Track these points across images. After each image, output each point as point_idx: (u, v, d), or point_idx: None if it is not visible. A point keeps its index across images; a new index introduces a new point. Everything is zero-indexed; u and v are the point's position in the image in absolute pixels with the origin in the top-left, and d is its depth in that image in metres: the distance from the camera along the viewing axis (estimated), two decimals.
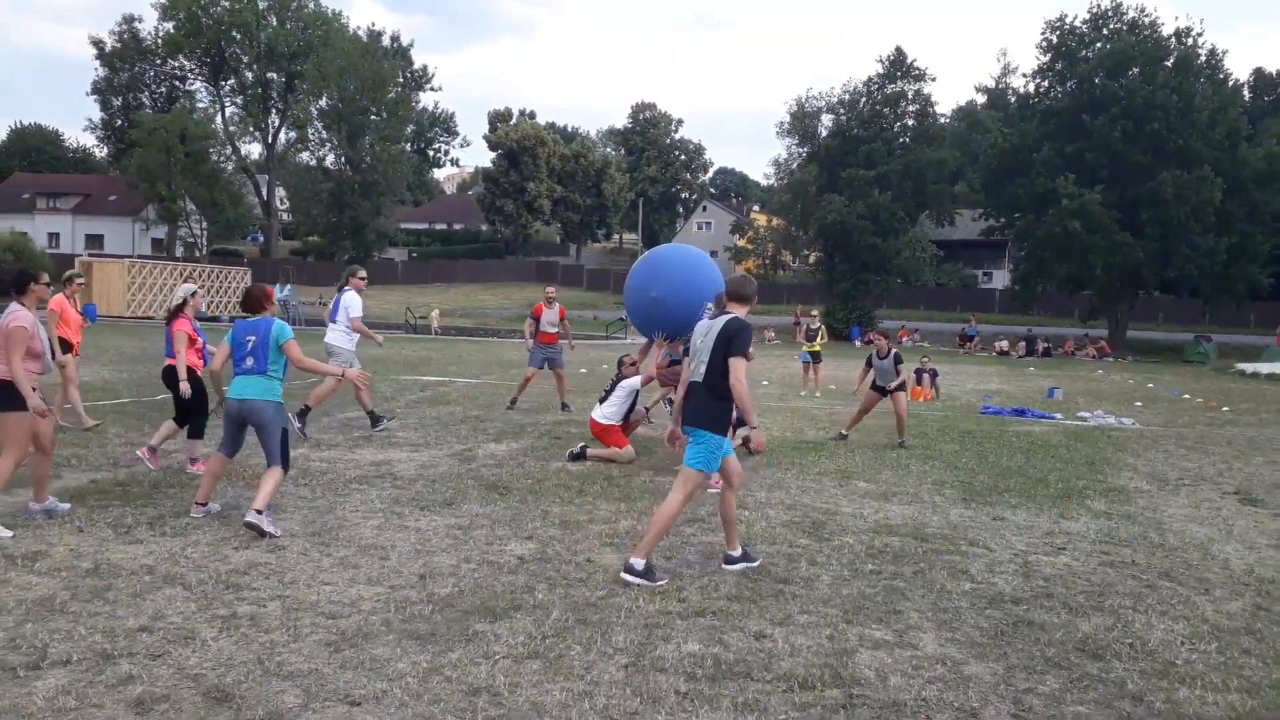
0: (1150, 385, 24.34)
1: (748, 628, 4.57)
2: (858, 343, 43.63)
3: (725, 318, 5.50)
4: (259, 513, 5.85)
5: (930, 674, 4.13)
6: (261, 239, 78.36)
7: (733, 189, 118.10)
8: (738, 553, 5.63)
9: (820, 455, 10.31)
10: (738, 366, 5.29)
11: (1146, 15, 42.89)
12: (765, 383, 20.53)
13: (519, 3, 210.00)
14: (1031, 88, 45.98)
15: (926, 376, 18.62)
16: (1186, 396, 21.05)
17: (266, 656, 3.96)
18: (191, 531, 5.97)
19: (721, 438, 5.39)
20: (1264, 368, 31.11)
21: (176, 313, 8.12)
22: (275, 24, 69.52)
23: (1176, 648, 4.61)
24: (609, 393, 9.73)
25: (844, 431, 11.93)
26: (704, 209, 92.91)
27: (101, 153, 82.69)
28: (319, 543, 5.84)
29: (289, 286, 46.93)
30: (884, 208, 45.02)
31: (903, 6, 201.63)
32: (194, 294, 8.31)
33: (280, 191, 71.08)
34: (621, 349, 32.36)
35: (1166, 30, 42.93)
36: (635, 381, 9.72)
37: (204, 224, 66.39)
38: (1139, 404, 18.73)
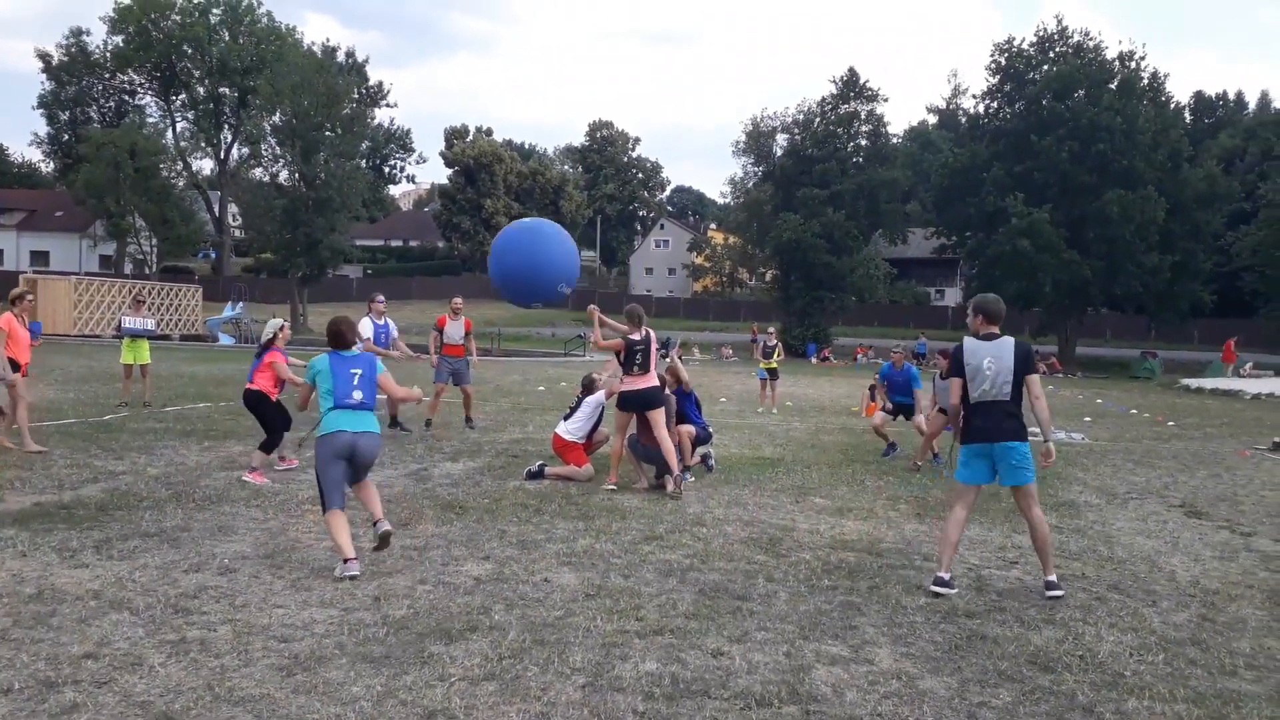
0: (1099, 401, 24.83)
1: (705, 645, 4.57)
2: (814, 359, 44.05)
3: (1011, 340, 5.93)
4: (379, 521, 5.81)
5: (886, 689, 4.16)
6: (214, 256, 77.21)
7: (690, 207, 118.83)
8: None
9: (777, 471, 10.37)
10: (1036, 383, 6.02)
11: (1091, 39, 44.13)
12: (723, 399, 20.62)
13: (475, 18, 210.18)
14: (981, 108, 47.02)
15: (880, 392, 18.75)
16: (1134, 411, 21.49)
17: (217, 682, 3.89)
18: (139, 555, 5.85)
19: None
20: (1208, 383, 31.90)
21: (268, 345, 8.96)
22: (228, 39, 68.80)
23: (1125, 659, 4.69)
24: (574, 409, 9.72)
25: (917, 462, 11.31)
26: (661, 227, 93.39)
27: (48, 168, 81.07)
28: (271, 564, 5.75)
29: (240, 304, 46.31)
30: (838, 226, 45.62)
31: (857, 27, 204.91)
32: (283, 326, 9.18)
33: (233, 208, 70.14)
34: (582, 366, 32.33)
35: (1110, 54, 44.16)
36: (601, 397, 9.73)
37: (154, 241, 65.29)
38: (1088, 419, 19.07)
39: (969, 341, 5.97)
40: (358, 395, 5.81)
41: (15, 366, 9.69)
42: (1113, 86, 42.71)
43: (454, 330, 12.72)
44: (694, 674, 4.20)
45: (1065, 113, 41.51)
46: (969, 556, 6.80)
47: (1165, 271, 41.06)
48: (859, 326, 57.76)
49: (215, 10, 68.89)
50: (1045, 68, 44.05)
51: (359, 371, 5.88)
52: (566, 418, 9.71)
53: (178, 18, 68.06)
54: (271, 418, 8.92)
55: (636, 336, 8.80)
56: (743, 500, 8.56)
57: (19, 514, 6.83)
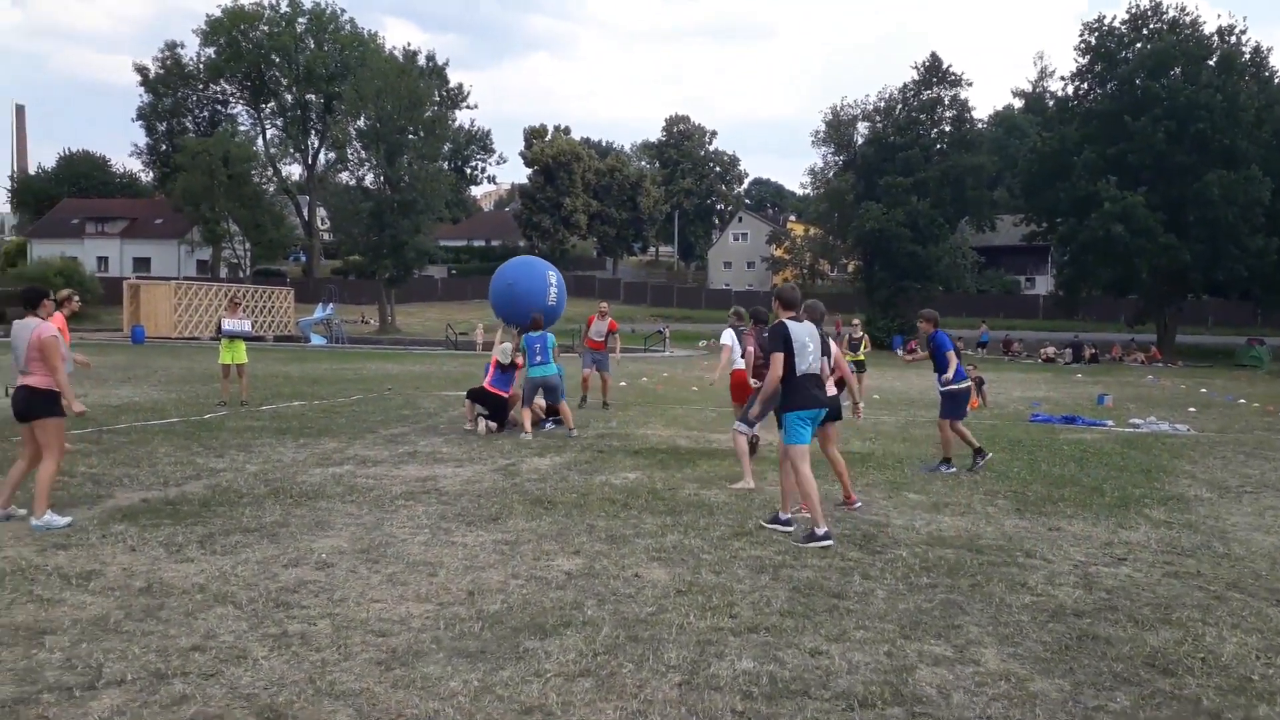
0: (1203, 390, 23.81)
1: (803, 644, 4.47)
2: (899, 352, 43.21)
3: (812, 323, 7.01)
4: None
5: (994, 691, 4.00)
6: (304, 259, 79.45)
7: (768, 200, 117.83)
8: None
9: (868, 466, 10.16)
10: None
11: (1187, 14, 42.21)
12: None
13: (550, 18, 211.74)
14: (1070, 90, 45.41)
15: (973, 385, 18.30)
16: (1242, 401, 20.55)
17: (318, 675, 3.94)
18: (241, 550, 5.99)
19: None
20: None
21: (512, 365, 12.22)
22: (313, 46, 70.61)
23: (1251, 662, 4.43)
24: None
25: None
26: (739, 220, 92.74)
27: (147, 177, 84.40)
28: (367, 559, 5.82)
29: (331, 305, 47.50)
30: (923, 214, 44.67)
31: (936, 13, 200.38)
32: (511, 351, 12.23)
33: (321, 211, 72.08)
34: (661, 363, 32.32)
35: (1208, 29, 42.23)
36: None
37: (247, 245, 67.48)
38: (1193, 410, 18.32)
39: (791, 324, 6.86)
40: (539, 359, 11.79)
41: None
42: (1211, 63, 40.83)
43: (598, 327, 15.27)
44: (792, 673, 4.11)
45: (1161, 92, 39.81)
46: (1073, 552, 6.54)
47: (1272, 254, 39.06)
48: (946, 317, 55.35)
49: (301, 19, 70.79)
50: (1138, 46, 42.29)
51: (539, 345, 11.82)
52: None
53: (265, 28, 70.12)
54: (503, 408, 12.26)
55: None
56: (834, 495, 8.38)
57: (128, 510, 7.07)
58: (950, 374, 9.88)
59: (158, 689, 3.76)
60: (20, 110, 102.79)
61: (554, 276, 13.99)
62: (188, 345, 36.27)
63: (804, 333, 6.81)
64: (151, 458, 9.51)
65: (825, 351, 7.18)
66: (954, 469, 9.76)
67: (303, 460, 9.61)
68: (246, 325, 16.02)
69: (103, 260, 71.41)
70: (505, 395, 12.26)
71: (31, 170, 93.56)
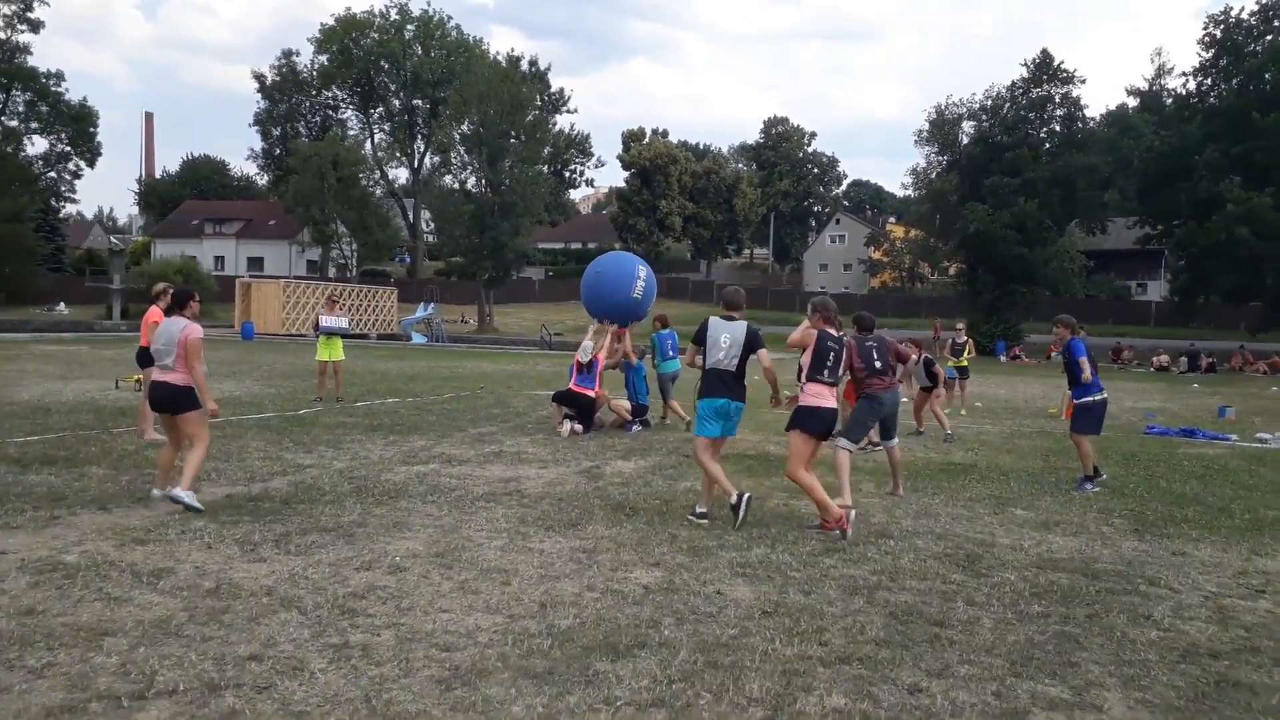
0: None
1: (900, 679, 4.06)
2: (1003, 357, 41.71)
3: (745, 323, 7.28)
4: None
5: None
6: (408, 260, 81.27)
7: (867, 201, 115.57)
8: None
9: (970, 479, 9.59)
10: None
11: None
12: (905, 399, 19.61)
13: (650, 23, 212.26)
14: (1192, 86, 43.11)
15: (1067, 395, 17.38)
16: None
17: (374, 694, 3.71)
18: (315, 550, 5.86)
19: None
20: None
21: (592, 363, 12.16)
22: (420, 53, 72.20)
23: None
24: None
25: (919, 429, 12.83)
26: (837, 221, 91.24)
27: (262, 180, 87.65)
28: (441, 564, 5.63)
29: (433, 305, 48.31)
30: (1030, 216, 42.98)
31: (1045, 11, 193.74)
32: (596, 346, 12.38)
33: (425, 214, 73.58)
34: (752, 366, 31.58)
35: None
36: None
37: (354, 246, 69.29)
38: None
39: (713, 319, 7.26)
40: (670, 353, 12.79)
41: (150, 359, 10.17)
42: None
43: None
44: (889, 713, 3.71)
45: None
46: (1202, 581, 5.94)
47: None
48: (1051, 322, 54.23)
49: (409, 27, 72.45)
50: (1269, 39, 39.91)
51: (669, 340, 12.95)
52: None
53: (376, 35, 72.00)
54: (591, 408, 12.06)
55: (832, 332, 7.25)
56: (933, 510, 7.90)
57: (211, 505, 7.04)
58: (1089, 375, 9.20)
59: (208, 701, 3.59)
60: (149, 117, 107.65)
61: (643, 271, 13.57)
62: (294, 341, 37.28)
63: (721, 330, 7.15)
64: (242, 452, 9.58)
65: (753, 349, 7.19)
66: (1098, 487, 9.06)
67: (389, 458, 9.54)
68: (344, 322, 16.20)
69: (219, 259, 74.37)
70: (592, 394, 12.06)
71: (157, 174, 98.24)
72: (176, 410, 7.03)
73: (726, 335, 7.16)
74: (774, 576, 5.60)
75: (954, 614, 5.02)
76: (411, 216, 75.94)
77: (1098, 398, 9.36)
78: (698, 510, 7.12)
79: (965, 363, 17.77)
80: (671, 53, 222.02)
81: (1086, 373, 9.22)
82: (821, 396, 7.01)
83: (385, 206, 73.36)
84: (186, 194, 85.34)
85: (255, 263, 74.10)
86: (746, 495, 7.00)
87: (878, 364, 8.26)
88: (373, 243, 67.24)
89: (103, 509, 6.84)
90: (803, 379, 7.11)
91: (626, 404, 12.83)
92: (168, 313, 7.26)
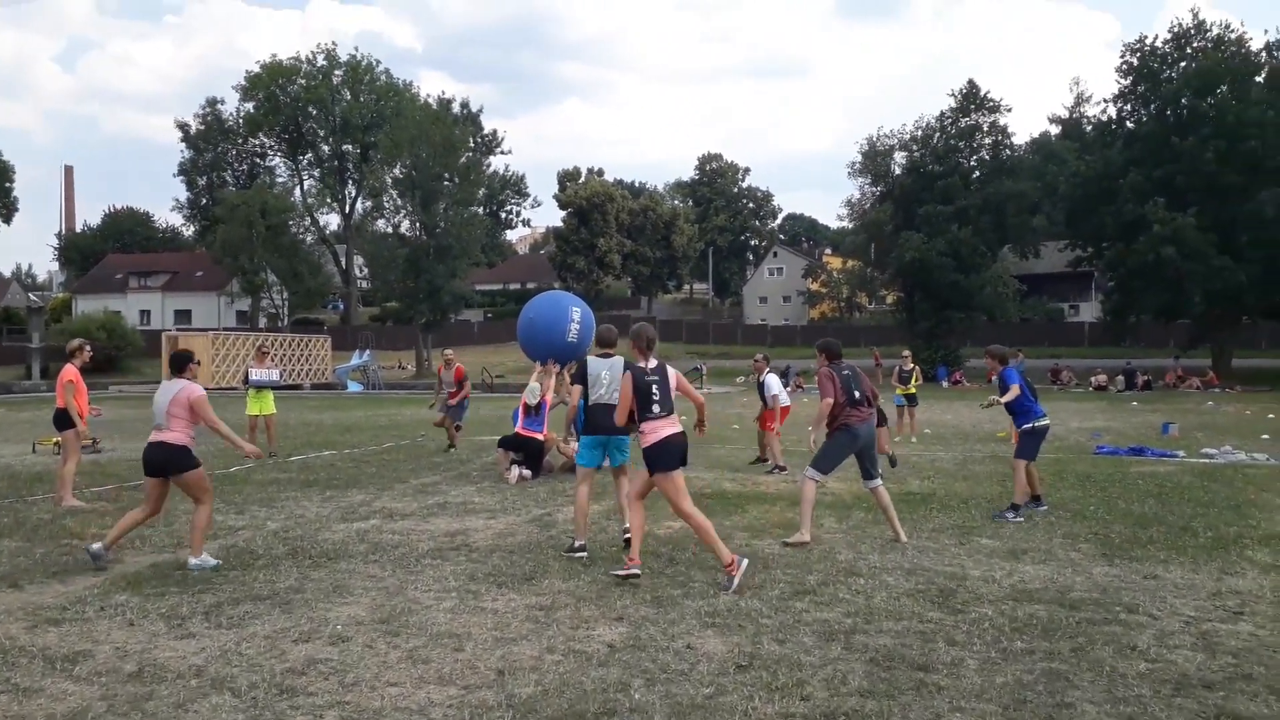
0: (1271, 416, 22.64)
1: None
2: (945, 383, 42.17)
3: (621, 358, 7.38)
4: None
5: None
6: (341, 307, 79.99)
7: (803, 234, 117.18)
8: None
9: (931, 509, 9.41)
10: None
11: (1232, 31, 41.24)
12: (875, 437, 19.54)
13: (582, 64, 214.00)
14: (1113, 112, 44.45)
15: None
16: None
17: None
18: (249, 622, 5.41)
19: None
20: None
21: (540, 405, 12.07)
22: (349, 98, 71.62)
23: None
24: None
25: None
26: (774, 255, 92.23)
27: (188, 231, 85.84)
28: (387, 631, 5.21)
29: (368, 352, 47.42)
30: (964, 243, 43.79)
31: (969, 45, 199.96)
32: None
33: (358, 259, 72.62)
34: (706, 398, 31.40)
35: (1256, 44, 41.20)
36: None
37: (285, 294, 68.02)
38: (1266, 437, 17.28)
39: (590, 358, 7.51)
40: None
41: (68, 421, 9.69)
42: (1260, 79, 39.80)
43: (446, 378, 15.22)
44: None
45: (1209, 110, 38.80)
46: (1180, 606, 5.78)
47: None
48: (990, 346, 55.16)
49: (337, 72, 71.91)
50: (1182, 65, 41.37)
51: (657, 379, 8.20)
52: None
53: (303, 81, 71.29)
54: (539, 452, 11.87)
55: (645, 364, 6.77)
56: (898, 545, 7.67)
57: (134, 577, 6.54)
58: (1011, 397, 8.99)
59: None
60: (69, 171, 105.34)
61: (578, 312, 13.14)
62: (224, 395, 36.17)
63: (600, 367, 7.33)
64: (169, 516, 8.99)
65: (664, 384, 6.78)
66: (1022, 517, 8.87)
67: (327, 515, 9.06)
68: (274, 374, 15.63)
69: (145, 314, 72.44)
70: (541, 438, 11.70)
71: (78, 228, 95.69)
72: (172, 471, 6.85)
73: (606, 372, 7.34)
74: (745, 625, 5.29)
75: (936, 656, 4.75)
76: (344, 262, 74.88)
77: (1040, 423, 9.19)
78: (576, 543, 7.25)
79: (914, 390, 17.78)
80: (604, 93, 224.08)
81: (1008, 396, 8.97)
82: (659, 430, 6.49)
83: (317, 253, 72.31)
84: (109, 247, 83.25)
85: (183, 315, 72.35)
86: (581, 550, 7.19)
87: (856, 393, 7.83)
88: (304, 290, 66.11)
89: (14, 586, 6.30)
90: (636, 423, 6.60)
91: (575, 445, 12.46)
92: (170, 375, 7.17)
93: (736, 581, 6.09)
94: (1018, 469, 9.07)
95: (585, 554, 7.10)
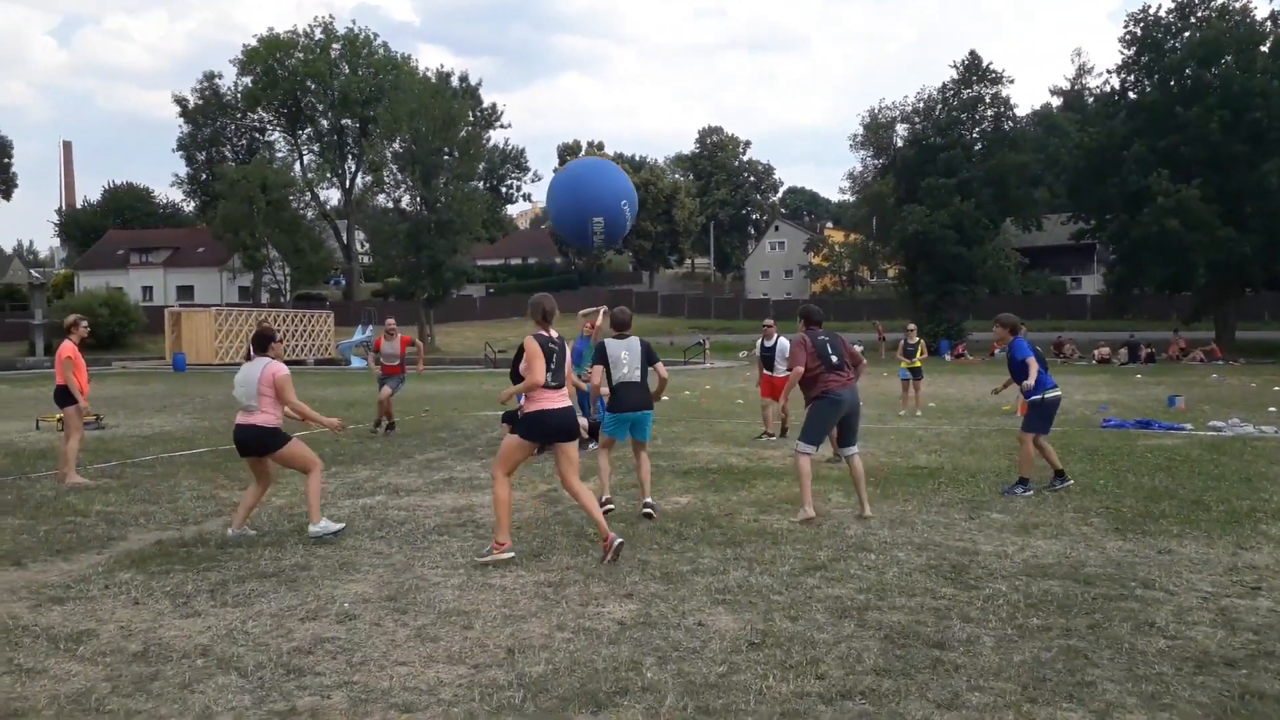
0: (1276, 389, 22.55)
1: (909, 713, 3.71)
2: (947, 356, 42.07)
3: (638, 338, 7.90)
4: None
5: None
6: (343, 282, 79.77)
7: (804, 207, 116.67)
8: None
9: (939, 482, 9.35)
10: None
11: (1236, 0, 40.74)
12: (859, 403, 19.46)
13: (579, 37, 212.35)
14: (1116, 83, 44.03)
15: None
16: None
17: None
18: (255, 600, 5.35)
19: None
20: None
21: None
22: (348, 72, 71.04)
23: None
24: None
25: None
26: (776, 228, 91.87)
27: (189, 207, 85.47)
28: (395, 609, 5.16)
29: (370, 328, 47.26)
30: (967, 215, 43.52)
31: (969, 16, 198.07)
32: None
33: (359, 235, 72.32)
34: (702, 375, 31.47)
35: (1260, 13, 40.80)
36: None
37: (287, 270, 67.81)
38: (1272, 409, 17.21)
39: (608, 340, 7.84)
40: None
41: (69, 398, 9.57)
42: (1265, 49, 39.38)
43: (390, 349, 14.35)
44: None
45: (1213, 80, 38.40)
46: (1196, 581, 5.71)
47: None
48: (992, 319, 55.08)
49: (335, 45, 71.28)
50: (1186, 35, 40.93)
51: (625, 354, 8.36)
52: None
53: (301, 55, 70.69)
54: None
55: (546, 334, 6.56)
56: (909, 518, 7.61)
57: (139, 554, 6.48)
58: (1031, 382, 8.88)
59: None
60: (68, 146, 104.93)
61: (600, 223, 9.64)
62: (228, 371, 36.11)
63: (619, 348, 7.73)
64: (173, 492, 8.96)
65: (651, 361, 7.92)
66: (1031, 491, 8.79)
67: (332, 491, 9.00)
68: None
69: (147, 290, 72.17)
70: None
71: (78, 204, 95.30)
72: (268, 450, 6.90)
73: (625, 352, 7.75)
74: (756, 602, 5.23)
75: (952, 633, 4.69)
76: (345, 238, 74.59)
77: (1050, 394, 9.00)
78: (603, 498, 7.52)
79: (919, 364, 17.68)
80: (602, 66, 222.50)
81: (1031, 378, 8.74)
82: (539, 402, 6.23)
83: (318, 229, 71.92)
84: (110, 223, 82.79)
85: (185, 291, 72.11)
86: (608, 504, 7.57)
87: (834, 358, 7.68)
88: (306, 266, 65.82)
89: (17, 564, 6.25)
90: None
91: (584, 421, 12.36)
92: (249, 355, 7.09)
93: (610, 557, 6.05)
94: (1025, 442, 8.96)
95: (613, 507, 7.55)
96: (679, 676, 4.11)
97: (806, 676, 4.09)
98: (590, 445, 11.97)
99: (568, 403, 6.41)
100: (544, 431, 6.30)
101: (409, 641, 4.62)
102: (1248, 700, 3.87)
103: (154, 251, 75.31)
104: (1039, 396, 8.99)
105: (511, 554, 6.15)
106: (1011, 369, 9.17)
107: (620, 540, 6.21)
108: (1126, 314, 46.82)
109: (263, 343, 7.02)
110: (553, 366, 6.31)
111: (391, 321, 15.07)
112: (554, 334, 6.51)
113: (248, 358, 7.09)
